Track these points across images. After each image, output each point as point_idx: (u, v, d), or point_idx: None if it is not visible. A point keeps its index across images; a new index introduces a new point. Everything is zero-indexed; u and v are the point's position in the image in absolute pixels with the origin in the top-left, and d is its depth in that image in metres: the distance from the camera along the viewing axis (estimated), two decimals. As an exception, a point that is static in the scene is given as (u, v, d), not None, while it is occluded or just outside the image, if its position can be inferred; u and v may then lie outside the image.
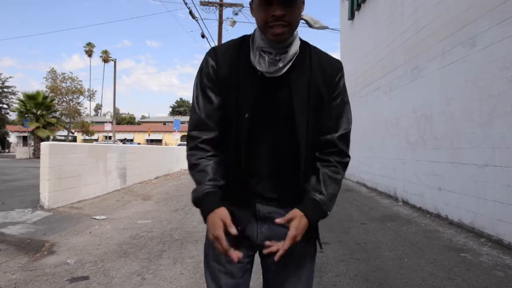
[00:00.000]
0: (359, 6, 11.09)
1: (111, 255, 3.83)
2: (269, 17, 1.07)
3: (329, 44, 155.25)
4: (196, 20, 13.89)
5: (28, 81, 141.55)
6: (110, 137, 30.29)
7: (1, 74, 49.69)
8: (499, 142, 4.42)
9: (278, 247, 1.06)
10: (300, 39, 1.20)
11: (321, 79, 1.17)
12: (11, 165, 17.58)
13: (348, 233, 4.88)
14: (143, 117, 76.74)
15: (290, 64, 1.14)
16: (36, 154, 24.58)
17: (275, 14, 1.06)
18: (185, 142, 1.32)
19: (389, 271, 3.44)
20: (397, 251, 4.09)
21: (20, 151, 28.10)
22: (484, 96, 4.73)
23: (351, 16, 11.91)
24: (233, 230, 1.06)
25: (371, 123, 9.89)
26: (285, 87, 1.14)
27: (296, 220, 1.08)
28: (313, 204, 1.13)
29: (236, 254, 1.06)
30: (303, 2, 1.14)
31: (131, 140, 44.95)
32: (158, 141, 45.21)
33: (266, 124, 1.16)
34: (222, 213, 1.09)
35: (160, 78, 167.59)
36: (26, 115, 26.57)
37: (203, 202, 1.13)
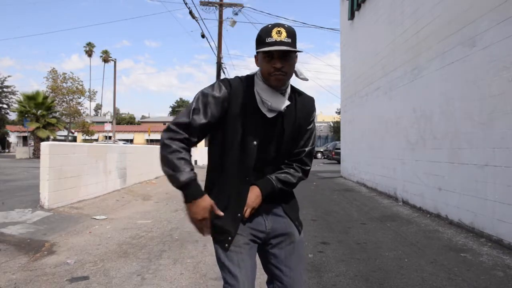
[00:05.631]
0: (359, 6, 11.08)
1: (111, 255, 3.83)
2: (271, 68, 1.39)
3: (329, 44, 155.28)
4: (196, 20, 13.91)
5: (28, 81, 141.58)
6: (110, 137, 30.25)
7: (-1, 73, 49.48)
8: (499, 142, 4.42)
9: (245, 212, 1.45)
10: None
11: (302, 115, 1.54)
12: (11, 165, 17.57)
13: (348, 233, 4.88)
14: (143, 117, 76.65)
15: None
16: (36, 154, 24.55)
17: (276, 66, 1.38)
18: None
19: (389, 271, 3.44)
20: (397, 251, 4.09)
21: (20, 151, 28.02)
22: (484, 96, 4.73)
23: (351, 16, 11.90)
24: (220, 212, 1.42)
25: (371, 123, 9.90)
26: (280, 121, 1.49)
27: (251, 192, 1.47)
28: (265, 180, 1.50)
29: (209, 231, 1.45)
30: (296, 57, 1.47)
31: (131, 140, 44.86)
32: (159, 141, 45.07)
33: (265, 148, 1.49)
34: (208, 199, 1.41)
35: (160, 78, 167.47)
36: (26, 115, 26.53)
37: (192, 186, 1.38)
